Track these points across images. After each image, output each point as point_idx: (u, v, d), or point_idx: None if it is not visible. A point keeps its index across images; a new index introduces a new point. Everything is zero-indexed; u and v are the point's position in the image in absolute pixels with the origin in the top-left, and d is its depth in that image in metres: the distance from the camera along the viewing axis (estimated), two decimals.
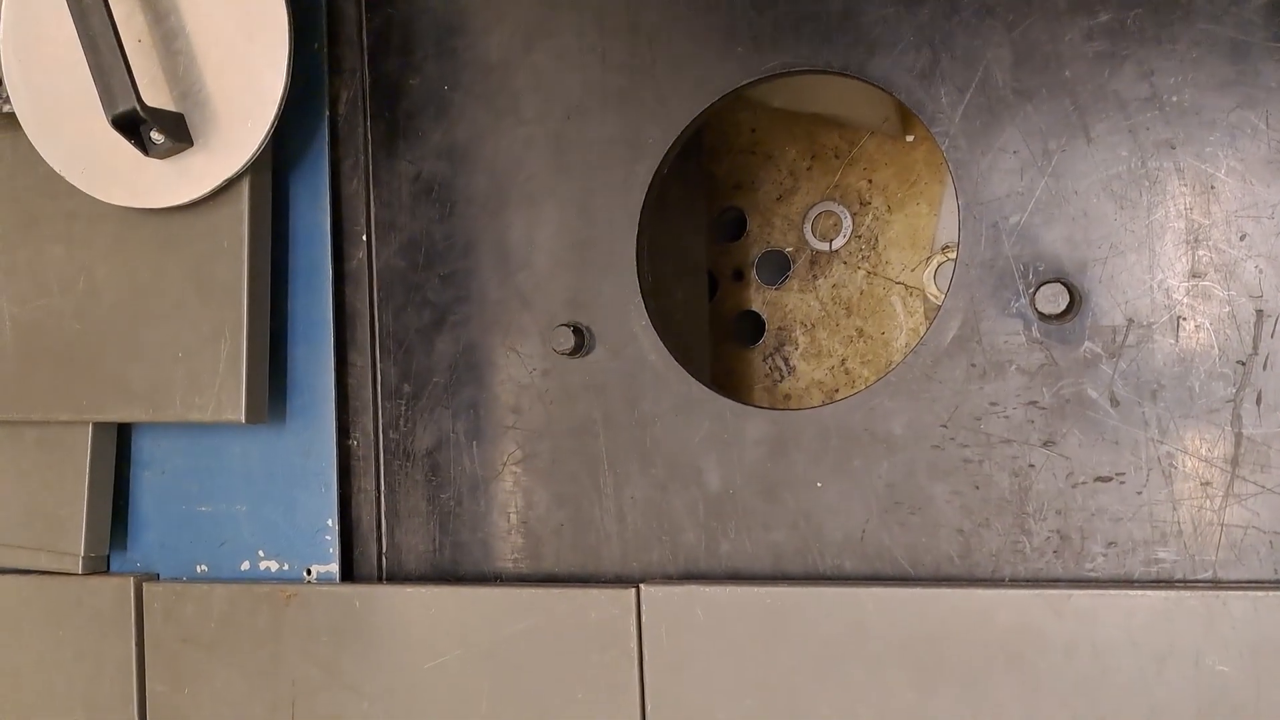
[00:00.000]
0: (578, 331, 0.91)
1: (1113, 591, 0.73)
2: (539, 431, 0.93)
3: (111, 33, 0.92)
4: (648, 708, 0.83)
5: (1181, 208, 0.74)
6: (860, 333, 1.12)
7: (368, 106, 1.00)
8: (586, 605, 0.86)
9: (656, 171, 0.91)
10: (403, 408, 0.98)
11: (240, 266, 0.97)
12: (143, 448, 1.06)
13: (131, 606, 1.02)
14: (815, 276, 1.14)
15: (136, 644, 1.02)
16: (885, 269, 1.12)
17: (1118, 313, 0.76)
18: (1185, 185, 0.74)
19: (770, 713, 0.80)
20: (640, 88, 0.91)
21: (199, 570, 1.04)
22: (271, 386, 1.01)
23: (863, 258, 1.13)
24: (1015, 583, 0.78)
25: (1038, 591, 0.75)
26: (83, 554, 1.03)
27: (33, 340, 1.03)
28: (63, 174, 0.99)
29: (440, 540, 0.97)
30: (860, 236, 1.13)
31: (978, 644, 0.75)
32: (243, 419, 0.97)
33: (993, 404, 0.79)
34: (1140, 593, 0.72)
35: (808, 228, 1.14)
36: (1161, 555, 0.74)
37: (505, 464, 0.94)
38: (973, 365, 0.79)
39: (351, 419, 1.01)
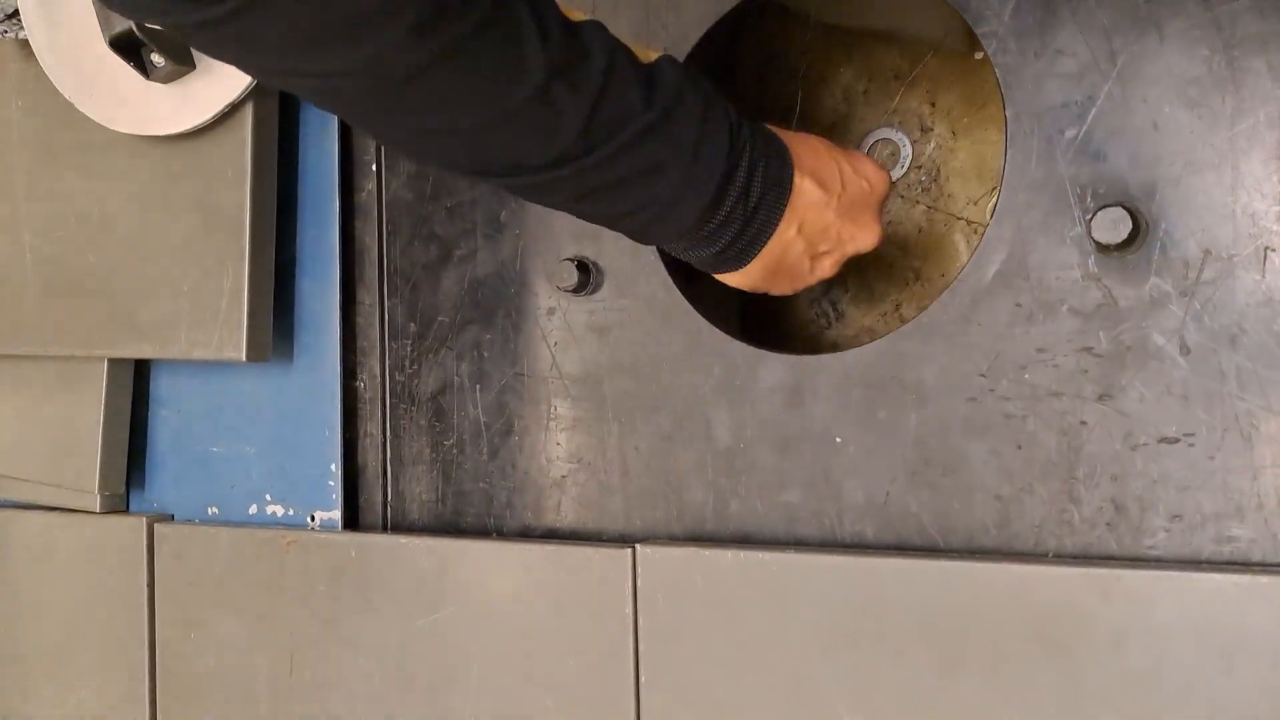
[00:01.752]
0: (583, 267, 0.81)
1: (1175, 573, 0.59)
2: (542, 376, 0.83)
3: None
4: (641, 677, 0.73)
5: (1274, 116, 0.59)
6: (917, 274, 0.99)
7: None
8: (581, 565, 0.76)
9: None
10: (409, 348, 0.90)
11: (244, 197, 0.90)
12: (160, 385, 1.01)
13: (144, 548, 0.97)
14: None
15: (148, 585, 0.97)
16: (947, 203, 0.98)
17: (1191, 243, 0.61)
18: None
19: (774, 691, 0.69)
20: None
21: (210, 513, 0.98)
22: (279, 323, 0.93)
23: (922, 190, 0.99)
24: (1060, 558, 0.65)
25: (1085, 569, 0.62)
26: (98, 492, 0.98)
27: (51, 272, 0.97)
28: (73, 101, 0.93)
29: (443, 490, 0.88)
30: (920, 167, 0.99)
31: (1012, 626, 0.63)
32: (243, 357, 0.89)
33: (1040, 350, 0.65)
34: (1209, 575, 0.59)
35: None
36: (1236, 532, 0.60)
37: (507, 410, 0.85)
38: (1018, 305, 0.66)
39: (359, 360, 0.93)
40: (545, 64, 0.52)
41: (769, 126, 0.65)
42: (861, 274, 1.01)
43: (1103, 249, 0.63)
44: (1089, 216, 0.63)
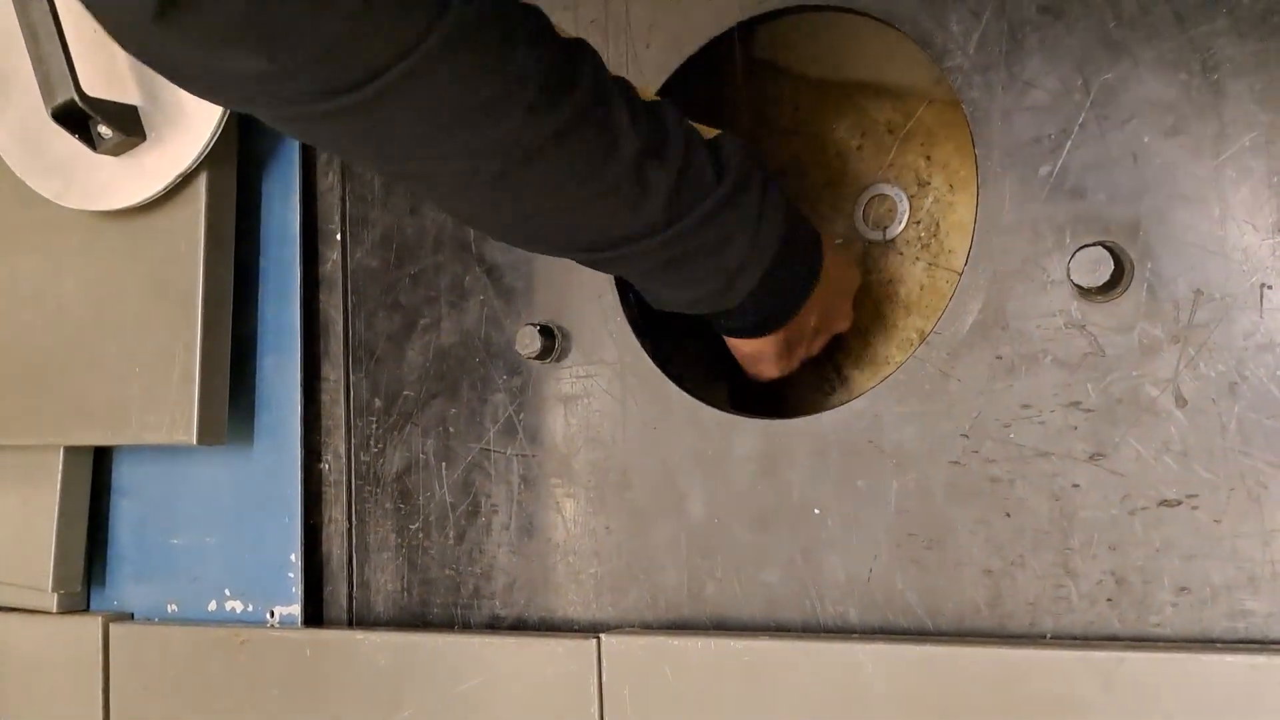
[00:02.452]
0: (547, 332, 0.80)
1: (1184, 654, 0.56)
2: (508, 451, 0.82)
3: (51, 20, 0.87)
4: None
5: (1260, 142, 0.57)
6: (921, 334, 0.96)
7: None
8: (543, 658, 0.74)
9: None
10: (374, 426, 0.89)
11: (196, 271, 0.90)
12: (122, 474, 1.01)
13: (99, 649, 0.95)
14: (868, 272, 0.99)
15: (103, 691, 0.95)
16: (948, 259, 0.96)
17: (1181, 283, 0.59)
18: (1266, 113, 0.57)
19: None
20: (615, 45, 0.79)
21: (170, 610, 0.97)
22: (238, 403, 0.93)
23: (922, 247, 0.97)
24: (1058, 640, 0.61)
25: (1085, 653, 0.58)
26: (52, 590, 0.98)
27: (6, 360, 0.98)
28: (22, 177, 0.94)
29: (409, 579, 0.86)
30: (919, 222, 0.97)
31: (1007, 716, 0.59)
32: (194, 440, 0.89)
33: (1025, 406, 0.63)
34: (1221, 656, 0.55)
35: (859, 215, 1.00)
36: (1250, 605, 0.57)
37: (473, 489, 0.83)
38: (999, 358, 0.64)
39: (323, 440, 0.92)
40: (637, 141, 0.57)
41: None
42: (863, 336, 1.00)
43: (1085, 293, 0.60)
44: (1068, 259, 0.61)
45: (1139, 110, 0.60)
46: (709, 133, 0.65)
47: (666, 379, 0.76)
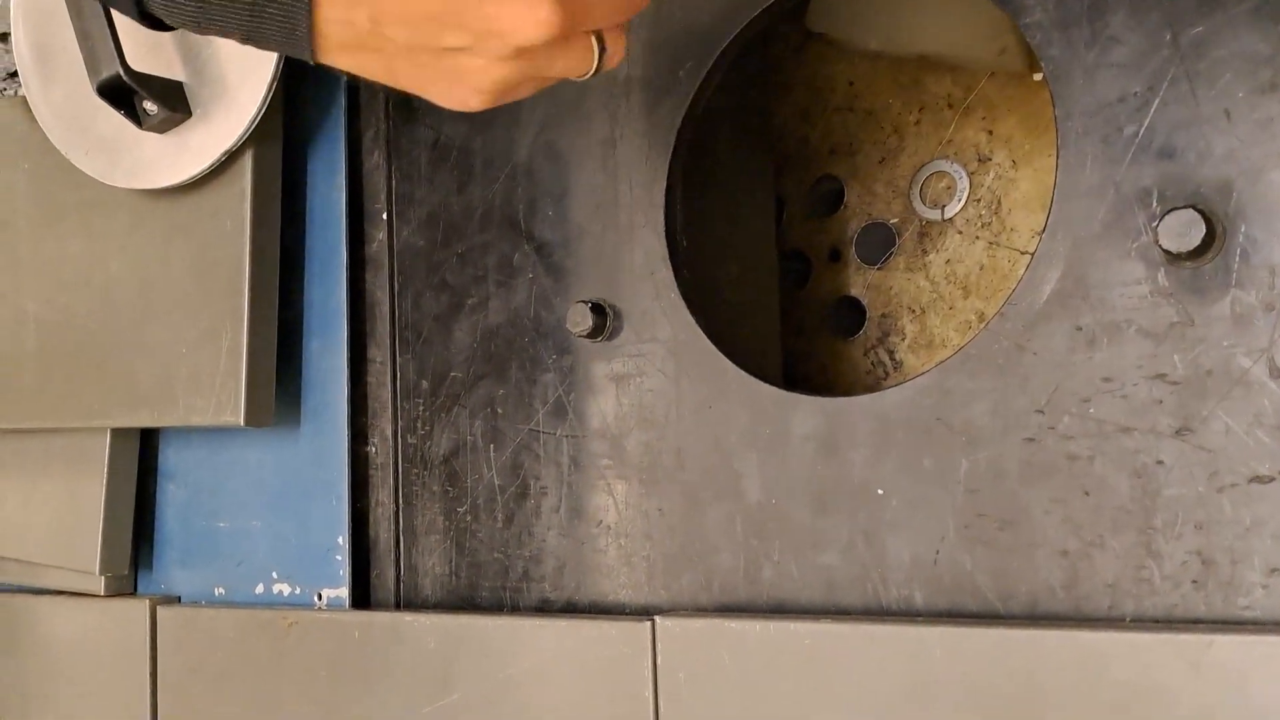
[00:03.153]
0: (599, 310, 0.77)
1: (1273, 638, 0.52)
2: (558, 432, 0.79)
3: None
4: None
5: None
6: (981, 317, 0.93)
7: None
8: (596, 642, 0.71)
9: (687, 115, 0.76)
10: (420, 408, 0.86)
11: (243, 251, 0.88)
12: (168, 457, 0.99)
13: (147, 633, 0.94)
14: (925, 251, 0.96)
15: (150, 674, 0.93)
16: (1010, 237, 0.92)
17: (1277, 247, 0.55)
18: None
19: None
20: (667, 15, 0.76)
21: (217, 593, 0.95)
22: (285, 386, 0.91)
23: (983, 225, 0.94)
24: (1139, 623, 0.58)
25: (1169, 636, 0.55)
26: (100, 574, 0.96)
27: (52, 342, 0.97)
28: (68, 157, 0.93)
29: (457, 562, 0.84)
30: (979, 200, 0.94)
31: (1085, 702, 0.56)
32: (241, 421, 0.87)
33: (1106, 380, 0.59)
34: None
35: (916, 193, 0.96)
36: None
37: (522, 471, 0.80)
38: (1078, 329, 0.60)
39: (370, 422, 0.90)
40: None
41: None
42: (920, 318, 0.96)
43: (1173, 259, 0.57)
44: (1155, 223, 0.57)
45: (1232, 65, 0.56)
46: None
47: (722, 356, 0.73)
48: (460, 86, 0.54)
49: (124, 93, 0.85)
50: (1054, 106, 0.62)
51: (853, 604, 0.66)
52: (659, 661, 0.68)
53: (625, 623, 0.70)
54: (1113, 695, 0.56)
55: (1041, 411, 0.61)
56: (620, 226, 0.78)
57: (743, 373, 0.72)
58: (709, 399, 0.73)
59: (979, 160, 0.94)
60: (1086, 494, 0.59)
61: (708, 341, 0.73)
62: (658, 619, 0.69)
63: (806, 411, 0.69)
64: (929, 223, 0.96)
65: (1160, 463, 0.58)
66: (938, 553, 0.63)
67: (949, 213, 0.95)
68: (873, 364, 0.98)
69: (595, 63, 0.55)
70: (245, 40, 0.54)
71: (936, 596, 0.63)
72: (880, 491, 0.65)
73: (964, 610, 0.62)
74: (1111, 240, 0.59)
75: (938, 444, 0.64)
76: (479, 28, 0.50)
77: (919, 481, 0.64)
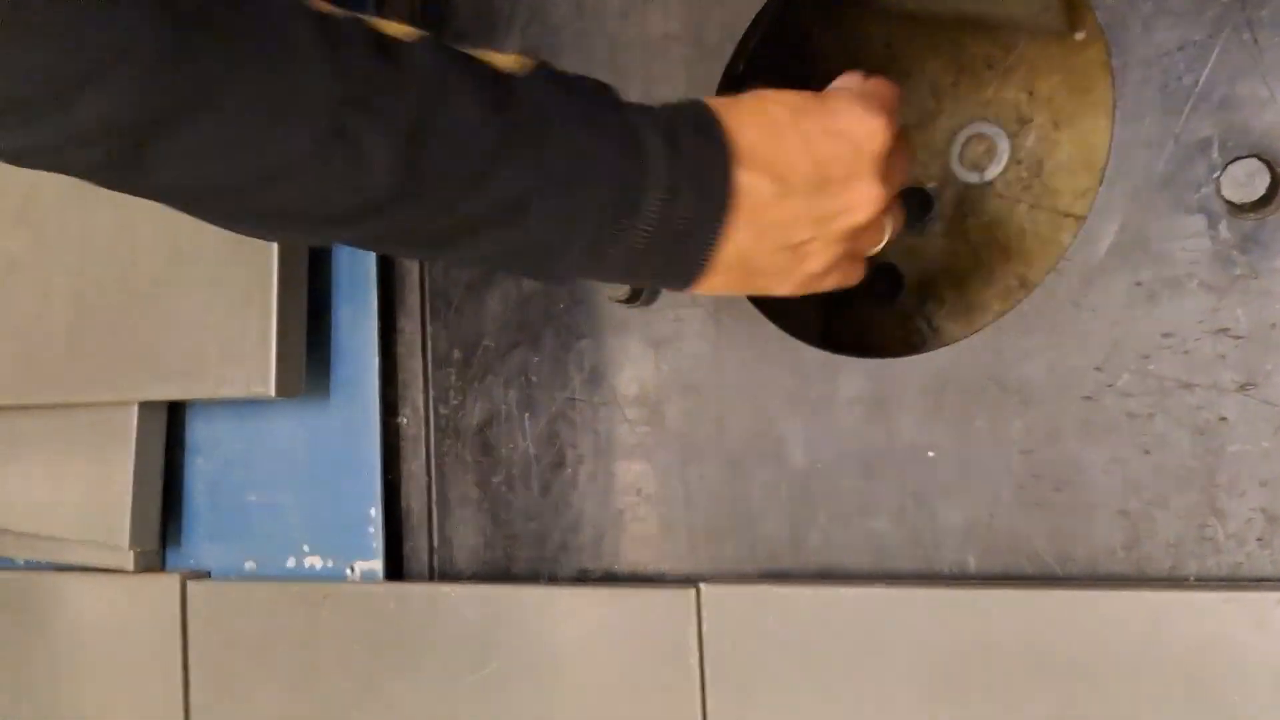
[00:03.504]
0: None
1: None
2: (595, 399, 0.78)
3: None
4: None
5: None
6: (1023, 282, 0.91)
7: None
8: (639, 610, 0.70)
9: (725, 74, 0.74)
10: (453, 378, 0.85)
11: None
12: (196, 431, 0.98)
13: (178, 608, 0.93)
14: (965, 216, 0.94)
15: (182, 649, 0.93)
16: (1053, 200, 0.90)
17: None
18: None
19: None
20: None
21: (247, 567, 0.94)
22: (314, 356, 0.90)
23: (1024, 188, 0.92)
24: (1203, 582, 0.56)
25: (1234, 594, 0.53)
26: (129, 549, 0.95)
27: (80, 315, 0.96)
28: None
29: (492, 533, 0.83)
30: (1020, 162, 0.92)
31: (1148, 664, 0.55)
32: (272, 392, 0.86)
33: (1167, 335, 0.58)
34: None
35: (955, 156, 0.95)
36: None
37: (558, 440, 0.79)
38: (1137, 284, 0.59)
39: (400, 393, 0.89)
40: (334, 95, 0.44)
41: (706, 102, 0.55)
42: (958, 284, 0.94)
43: (1236, 210, 0.55)
44: (1217, 173, 0.56)
45: None
46: (521, 63, 0.51)
47: (766, 320, 0.71)
48: (799, 274, 0.58)
49: None
50: (1110, 57, 0.60)
51: (903, 569, 0.65)
52: (705, 629, 0.67)
53: (669, 590, 0.69)
54: (1177, 655, 0.54)
55: (1100, 369, 0.59)
56: None
57: (787, 336, 0.70)
58: (751, 363, 0.72)
59: (1019, 122, 0.92)
60: (1147, 452, 0.58)
61: (750, 305, 0.72)
62: (703, 586, 0.68)
63: (853, 374, 0.67)
64: (968, 186, 0.94)
65: (1223, 419, 0.56)
66: (992, 515, 0.62)
67: (989, 176, 0.93)
68: (909, 331, 0.96)
69: (887, 237, 0.60)
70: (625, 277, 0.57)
71: (991, 560, 0.62)
72: (931, 454, 0.64)
73: (1019, 573, 0.61)
74: (1171, 192, 0.58)
75: (991, 404, 0.62)
76: (830, 217, 0.55)
77: (972, 443, 0.63)
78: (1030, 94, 0.93)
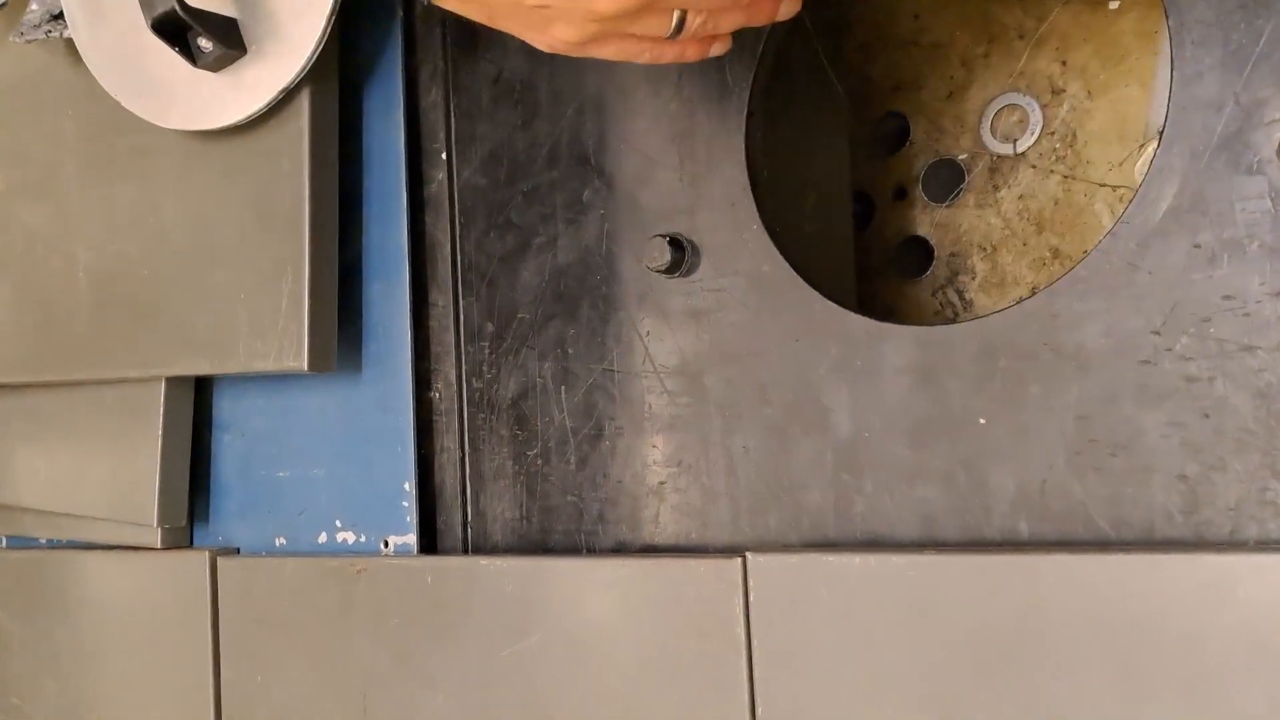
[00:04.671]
0: (676, 244, 0.75)
1: None
2: (634, 370, 0.77)
3: None
4: (758, 707, 0.65)
5: None
6: (1056, 253, 0.90)
7: None
8: (682, 580, 0.69)
9: (767, 38, 0.73)
10: (486, 351, 0.84)
11: (302, 192, 0.86)
12: (223, 407, 0.97)
13: (207, 585, 0.92)
14: (996, 187, 0.93)
15: (212, 625, 0.92)
16: (1086, 170, 0.90)
17: None
18: None
19: (917, 718, 0.61)
20: None
21: (278, 543, 0.93)
22: (345, 330, 0.89)
23: (1057, 159, 0.91)
24: (1264, 546, 0.56)
25: None
26: (158, 526, 0.94)
27: (104, 290, 0.95)
28: (119, 99, 0.90)
29: (528, 506, 0.82)
30: (1053, 133, 0.91)
31: (1210, 631, 0.54)
32: (305, 367, 0.85)
33: (1227, 298, 0.57)
34: None
35: (986, 127, 0.94)
36: None
37: (596, 412, 0.78)
38: (1196, 246, 0.58)
39: (433, 367, 0.88)
40: None
41: None
42: (992, 256, 0.94)
43: None
44: (1279, 134, 0.55)
45: None
46: None
47: (810, 288, 0.71)
48: (548, 36, 0.59)
49: (179, 29, 0.82)
50: (1166, 17, 0.59)
51: (951, 537, 0.64)
52: (751, 600, 0.66)
53: (714, 560, 0.68)
54: (1237, 620, 0.54)
55: (1158, 333, 0.59)
56: (698, 158, 0.75)
57: (831, 304, 0.70)
58: (795, 332, 0.71)
59: (1052, 92, 0.92)
60: (1206, 416, 0.57)
61: (794, 273, 0.71)
62: (749, 555, 0.67)
63: (901, 341, 0.67)
64: (1000, 158, 0.93)
65: None
66: (1044, 481, 0.61)
67: (1021, 146, 0.92)
68: (941, 304, 0.96)
69: (673, 26, 0.58)
70: None
71: (1044, 526, 0.61)
72: (982, 420, 0.63)
73: (1074, 539, 0.60)
74: (1233, 152, 0.57)
75: (1045, 370, 0.61)
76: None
77: (1024, 409, 0.62)
78: (1063, 64, 0.92)
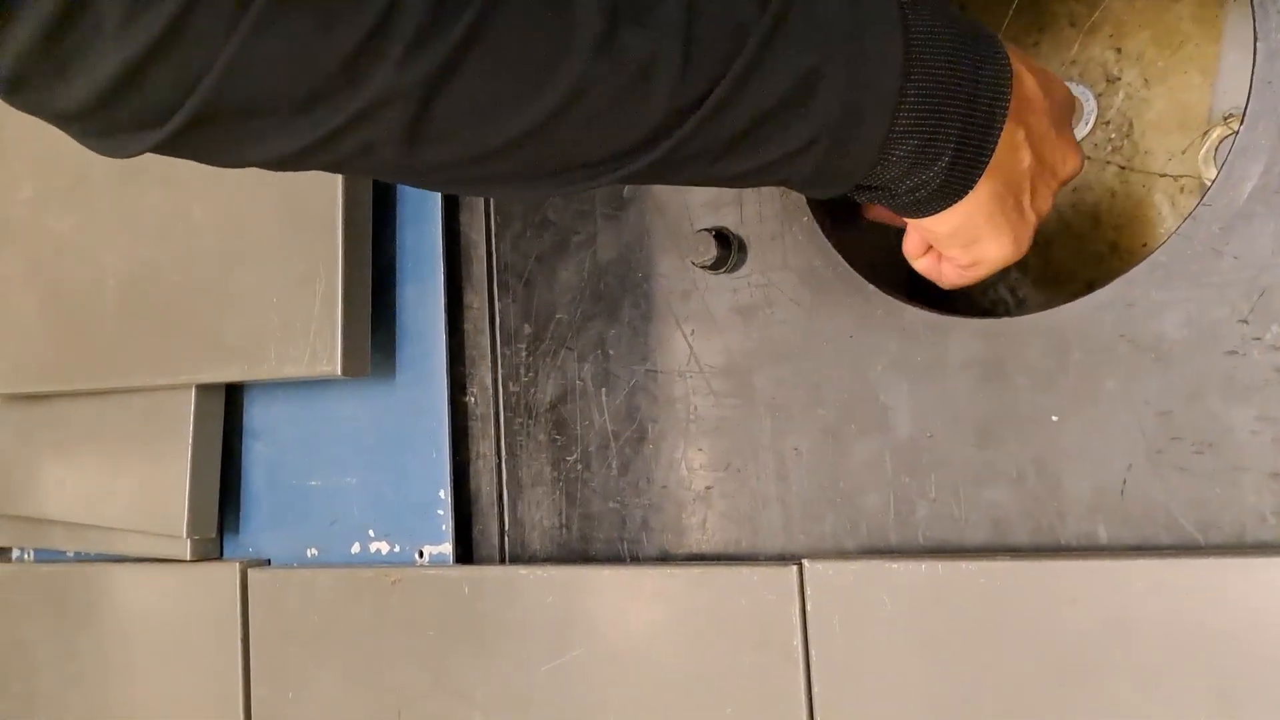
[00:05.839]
0: (722, 239, 0.71)
1: None
2: (679, 371, 0.73)
3: None
4: None
5: None
6: (1113, 247, 0.86)
7: None
8: (733, 590, 0.65)
9: None
10: (523, 354, 0.81)
11: (335, 193, 0.83)
12: (254, 416, 0.94)
13: (238, 597, 0.89)
14: None
15: (242, 638, 0.88)
16: (1144, 161, 0.85)
17: None
18: None
19: None
20: None
21: (309, 554, 0.90)
22: (378, 334, 0.86)
23: (1113, 149, 0.87)
24: None
25: None
26: (187, 537, 0.91)
27: (133, 297, 0.92)
28: None
29: (568, 513, 0.78)
30: (1109, 123, 0.87)
31: None
32: (339, 371, 0.82)
33: None
34: None
35: None
36: None
37: (638, 415, 0.75)
38: None
39: (468, 371, 0.84)
40: (599, 11, 0.40)
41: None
42: (1044, 251, 0.89)
43: None
44: None
45: None
46: None
47: (865, 281, 0.67)
48: (1024, 221, 0.55)
49: None
50: None
51: (1023, 542, 0.60)
52: (809, 608, 0.62)
53: (768, 568, 0.64)
54: None
55: (1245, 321, 0.54)
56: None
57: (889, 298, 0.66)
58: (850, 328, 0.67)
59: (1107, 80, 0.88)
60: None
61: (848, 267, 0.67)
62: (805, 562, 0.63)
63: (965, 335, 0.63)
64: None
65: None
66: (1124, 482, 0.57)
67: (1076, 137, 0.88)
68: (992, 301, 0.91)
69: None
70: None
71: (1123, 530, 0.57)
72: (1055, 418, 0.59)
73: (1156, 543, 0.56)
74: None
75: (1123, 363, 0.57)
76: (1059, 158, 0.55)
77: (1101, 405, 0.58)
78: (1119, 51, 0.88)
